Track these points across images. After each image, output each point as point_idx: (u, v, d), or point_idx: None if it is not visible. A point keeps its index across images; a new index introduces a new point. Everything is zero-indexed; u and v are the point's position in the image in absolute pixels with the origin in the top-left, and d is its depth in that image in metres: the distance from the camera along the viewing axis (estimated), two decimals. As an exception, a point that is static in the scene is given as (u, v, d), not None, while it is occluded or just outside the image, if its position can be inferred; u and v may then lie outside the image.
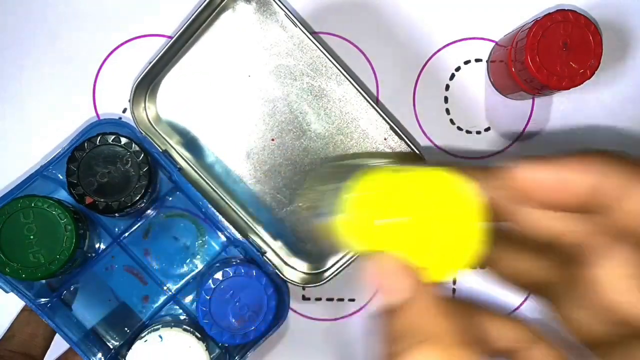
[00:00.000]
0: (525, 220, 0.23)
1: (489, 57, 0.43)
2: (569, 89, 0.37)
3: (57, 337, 0.40)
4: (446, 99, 0.43)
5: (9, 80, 0.43)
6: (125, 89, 0.43)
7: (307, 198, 0.41)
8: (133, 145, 0.37)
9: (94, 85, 0.43)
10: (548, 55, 0.36)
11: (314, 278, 0.42)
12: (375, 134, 0.41)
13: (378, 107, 0.40)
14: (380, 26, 0.43)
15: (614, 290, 0.21)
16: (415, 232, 0.23)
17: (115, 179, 0.37)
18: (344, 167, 0.40)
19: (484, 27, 0.43)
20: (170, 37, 0.39)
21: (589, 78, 0.37)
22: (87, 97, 0.43)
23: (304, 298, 0.44)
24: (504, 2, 0.43)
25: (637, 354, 0.21)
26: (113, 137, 0.37)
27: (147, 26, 0.43)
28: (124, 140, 0.37)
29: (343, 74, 0.39)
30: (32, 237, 0.35)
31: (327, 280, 0.41)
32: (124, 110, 0.43)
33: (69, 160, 0.37)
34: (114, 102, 0.43)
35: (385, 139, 0.41)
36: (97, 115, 0.43)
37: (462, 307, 0.24)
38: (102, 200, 0.37)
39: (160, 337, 0.38)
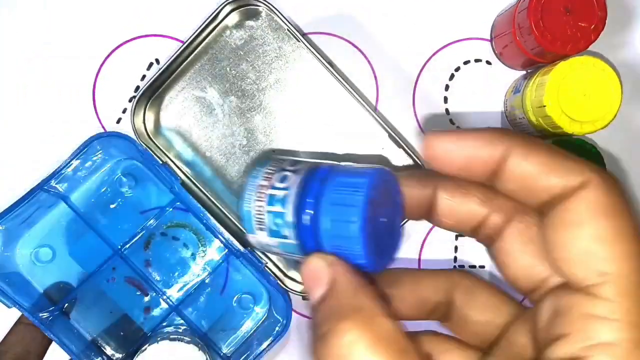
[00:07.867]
0: (442, 209, 0.25)
1: (490, 34, 0.43)
2: (574, 53, 0.36)
3: (50, 353, 0.40)
4: (446, 99, 0.44)
5: (7, 82, 0.43)
6: (118, 98, 0.43)
7: None
8: None
9: (94, 88, 0.43)
10: (551, 21, 0.36)
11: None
12: (374, 142, 0.41)
13: (377, 116, 0.40)
14: (380, 27, 0.43)
15: (516, 261, 0.24)
16: None
17: None
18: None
19: (484, 27, 0.43)
20: (171, 37, 0.39)
21: (593, 41, 0.36)
22: (88, 102, 0.43)
23: (304, 298, 0.44)
24: (504, 2, 0.43)
25: (559, 301, 0.22)
26: None
27: (147, 26, 0.43)
28: None
29: (344, 85, 0.39)
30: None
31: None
32: (118, 121, 0.43)
33: None
34: (110, 112, 0.43)
35: (382, 148, 0.41)
36: (99, 120, 0.43)
37: (391, 278, 0.26)
38: None
39: (163, 348, 0.38)
